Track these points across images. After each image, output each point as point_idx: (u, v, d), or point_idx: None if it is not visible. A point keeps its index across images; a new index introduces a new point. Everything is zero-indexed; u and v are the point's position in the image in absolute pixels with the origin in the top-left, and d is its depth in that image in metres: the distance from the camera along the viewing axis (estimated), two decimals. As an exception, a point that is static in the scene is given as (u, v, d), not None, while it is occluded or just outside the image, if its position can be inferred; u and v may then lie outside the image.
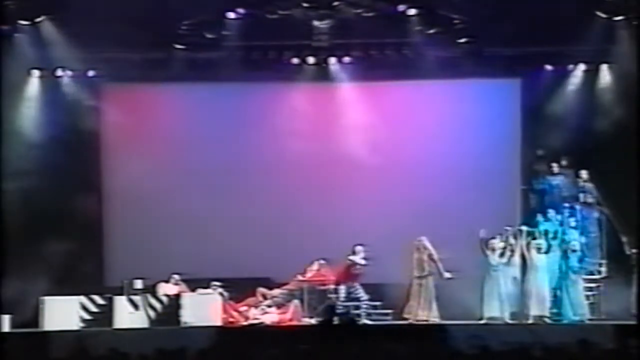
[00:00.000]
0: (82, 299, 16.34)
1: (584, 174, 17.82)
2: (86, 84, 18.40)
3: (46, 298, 16.39)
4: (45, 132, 17.96)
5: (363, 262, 17.03)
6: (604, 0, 17.17)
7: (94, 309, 16.35)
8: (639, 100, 17.19)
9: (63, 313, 16.15)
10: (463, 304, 16.71)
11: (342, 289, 17.08)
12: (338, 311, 12.07)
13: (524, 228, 17.02)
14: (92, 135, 18.45)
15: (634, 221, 16.85)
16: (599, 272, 17.39)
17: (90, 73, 18.40)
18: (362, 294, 17.02)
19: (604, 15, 17.28)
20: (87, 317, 16.28)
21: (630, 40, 17.36)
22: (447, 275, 16.72)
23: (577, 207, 17.65)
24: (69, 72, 18.37)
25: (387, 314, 17.06)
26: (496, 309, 16.48)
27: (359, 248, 17.07)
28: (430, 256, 16.85)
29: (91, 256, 17.88)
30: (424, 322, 16.55)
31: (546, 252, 16.72)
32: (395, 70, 18.43)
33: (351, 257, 17.07)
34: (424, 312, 16.72)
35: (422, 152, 18.69)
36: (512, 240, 16.77)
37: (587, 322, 16.49)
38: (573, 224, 17.23)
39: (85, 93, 18.33)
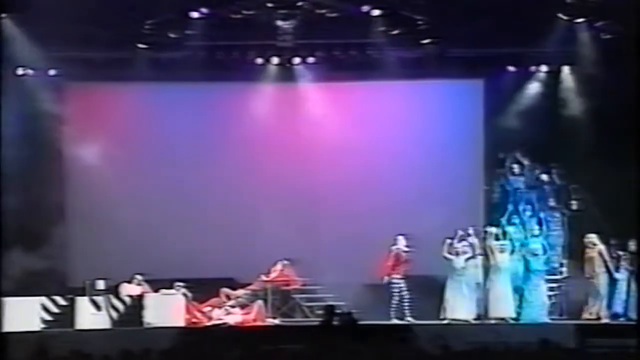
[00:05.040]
0: (43, 299, 16.19)
1: (545, 175, 17.96)
2: (47, 83, 18.23)
3: (6, 299, 16.19)
4: (5, 132, 17.75)
5: (407, 249, 17.02)
6: (565, 3, 17.31)
7: (55, 309, 16.20)
8: (602, 100, 17.41)
9: (23, 314, 15.97)
10: (424, 305, 16.82)
11: (395, 279, 16.99)
12: (337, 312, 12.00)
13: (487, 229, 17.13)
14: (53, 135, 18.27)
15: (597, 219, 17.06)
16: (561, 272, 17.55)
17: (52, 72, 18.24)
18: (404, 291, 16.98)
19: (565, 17, 17.44)
20: (48, 318, 16.14)
21: (591, 42, 17.54)
22: None
23: (539, 207, 17.78)
24: (30, 71, 18.19)
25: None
26: (460, 311, 16.56)
27: (400, 238, 17.06)
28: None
29: (52, 256, 17.70)
30: (391, 323, 16.67)
31: (509, 253, 16.84)
32: (359, 70, 18.46)
33: (394, 247, 17.05)
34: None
35: (385, 152, 18.72)
36: (475, 242, 16.86)
37: (549, 321, 16.68)
38: (535, 224, 17.37)
39: (47, 92, 18.15)
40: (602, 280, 16.67)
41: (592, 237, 16.78)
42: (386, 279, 17.01)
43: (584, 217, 17.51)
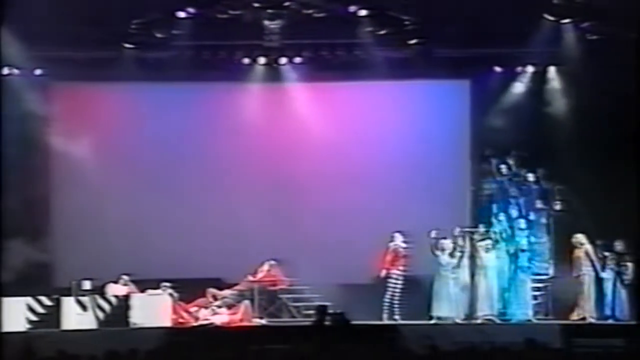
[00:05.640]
0: (29, 300, 16.12)
1: (531, 175, 18.02)
2: (33, 83, 18.14)
3: (-8, 299, 16.13)
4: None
5: (404, 245, 17.06)
6: (551, 3, 17.37)
7: (41, 310, 16.13)
8: (588, 100, 17.48)
9: (9, 314, 15.87)
10: (412, 304, 16.85)
11: (392, 275, 17.03)
12: (329, 312, 12.00)
13: (474, 229, 17.18)
14: (39, 135, 18.19)
15: (583, 219, 17.13)
16: (547, 273, 17.60)
17: (38, 72, 18.17)
18: (398, 287, 16.99)
19: (551, 18, 17.50)
20: (33, 318, 16.07)
21: (577, 42, 17.61)
22: None
23: (525, 207, 17.83)
24: (16, 71, 18.10)
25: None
26: (445, 309, 16.63)
27: (397, 234, 17.11)
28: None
29: (38, 256, 17.63)
30: (378, 323, 16.70)
31: (495, 252, 16.91)
32: (346, 70, 18.47)
33: (391, 244, 17.10)
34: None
35: (372, 152, 18.74)
36: (461, 241, 16.92)
37: (535, 321, 16.76)
38: (522, 224, 17.42)
39: (33, 92, 18.06)
40: (588, 280, 16.73)
41: (579, 237, 16.86)
42: (384, 272, 17.04)
43: (570, 217, 17.56)
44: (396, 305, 16.99)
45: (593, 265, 16.75)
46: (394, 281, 17.03)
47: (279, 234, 17.92)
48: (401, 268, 17.07)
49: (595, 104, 17.34)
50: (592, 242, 16.83)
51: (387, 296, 17.01)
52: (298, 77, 18.54)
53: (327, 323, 11.70)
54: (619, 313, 16.62)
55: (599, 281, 16.80)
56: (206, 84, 18.67)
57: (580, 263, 16.79)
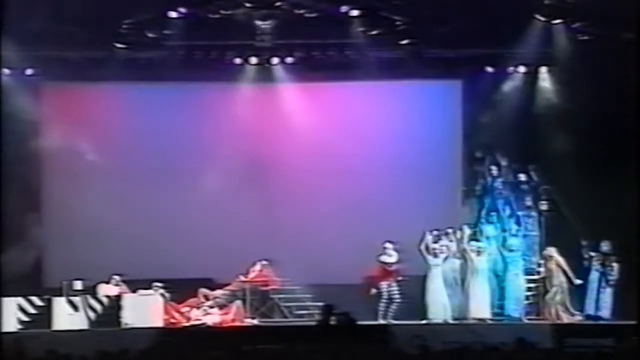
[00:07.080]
0: (20, 300, 16.10)
1: (522, 175, 18.07)
2: (24, 83, 18.10)
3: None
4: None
5: (393, 259, 16.95)
6: (543, 4, 17.41)
7: (32, 310, 16.12)
8: (579, 101, 17.53)
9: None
10: (406, 308, 16.88)
11: (383, 287, 16.93)
12: (335, 311, 12.00)
13: (465, 230, 17.19)
14: (29, 135, 18.16)
15: (572, 219, 17.19)
16: (538, 273, 17.64)
17: (29, 72, 18.13)
18: (397, 294, 16.91)
19: (542, 19, 17.55)
20: (25, 318, 16.05)
21: (568, 43, 17.66)
22: None
23: (517, 207, 17.87)
24: (6, 71, 18.06)
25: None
26: (438, 310, 16.62)
27: (387, 245, 16.99)
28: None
29: (29, 256, 17.61)
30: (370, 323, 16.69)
31: (486, 253, 16.94)
32: (338, 71, 18.48)
33: (381, 258, 16.97)
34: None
35: (364, 153, 18.75)
36: (452, 242, 16.94)
37: (526, 321, 16.81)
38: (512, 223, 17.46)
39: (23, 92, 18.02)
40: (556, 290, 16.78)
41: (550, 250, 16.95)
42: (374, 290, 16.96)
43: (560, 217, 17.60)
44: (391, 312, 16.91)
45: (566, 276, 16.83)
46: (386, 293, 16.92)
47: (271, 234, 17.91)
48: (391, 280, 16.96)
49: (586, 104, 17.38)
50: (562, 253, 16.89)
51: (382, 305, 16.90)
52: (290, 78, 18.53)
53: (332, 323, 11.72)
54: (604, 313, 16.70)
55: (584, 282, 16.89)
56: (198, 84, 18.64)
57: (552, 275, 16.84)
